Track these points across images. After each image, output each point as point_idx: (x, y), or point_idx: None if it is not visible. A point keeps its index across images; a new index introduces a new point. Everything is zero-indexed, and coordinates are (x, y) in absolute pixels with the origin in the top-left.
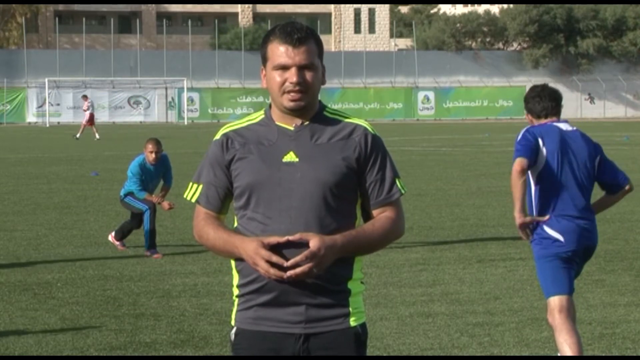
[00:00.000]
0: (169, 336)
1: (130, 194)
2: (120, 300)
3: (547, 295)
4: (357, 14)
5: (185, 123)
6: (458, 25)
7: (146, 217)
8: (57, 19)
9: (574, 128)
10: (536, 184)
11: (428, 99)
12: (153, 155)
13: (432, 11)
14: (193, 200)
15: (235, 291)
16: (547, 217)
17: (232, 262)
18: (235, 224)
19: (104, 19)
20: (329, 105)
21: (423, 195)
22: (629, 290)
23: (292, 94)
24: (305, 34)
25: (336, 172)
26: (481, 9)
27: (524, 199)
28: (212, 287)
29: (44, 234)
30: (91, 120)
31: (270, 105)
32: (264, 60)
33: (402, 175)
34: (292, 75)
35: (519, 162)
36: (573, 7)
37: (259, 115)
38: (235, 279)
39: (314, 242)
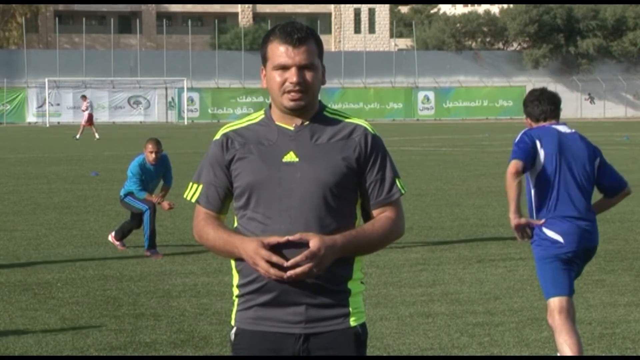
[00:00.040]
0: (169, 336)
1: (130, 194)
2: (120, 300)
3: (547, 296)
4: (357, 14)
5: (185, 123)
6: (458, 25)
7: (146, 217)
8: (57, 19)
9: (573, 130)
10: (535, 185)
11: (428, 99)
12: (153, 155)
13: (432, 11)
14: (193, 200)
15: (235, 291)
16: (542, 220)
17: (232, 262)
18: (235, 224)
19: (104, 19)
20: (329, 105)
21: (423, 195)
22: (629, 290)
23: (292, 93)
24: (305, 34)
25: (336, 172)
26: (481, 9)
27: (519, 200)
28: (212, 287)
29: (44, 234)
30: (90, 120)
31: (270, 105)
32: (264, 60)
33: (402, 175)
34: (292, 75)
35: (513, 165)
36: (573, 7)
37: (258, 115)
38: (235, 279)
39: (314, 242)
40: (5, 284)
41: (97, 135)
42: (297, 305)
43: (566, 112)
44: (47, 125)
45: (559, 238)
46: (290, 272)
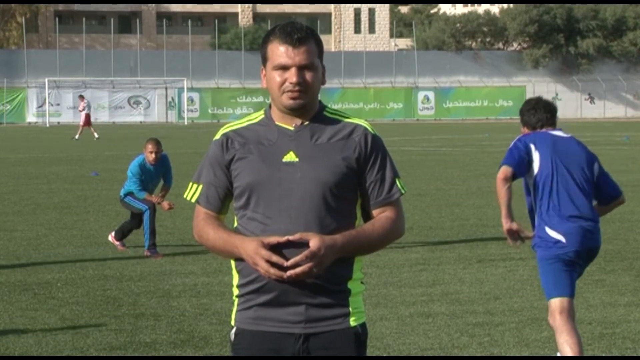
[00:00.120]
0: (169, 336)
1: (130, 194)
2: (120, 300)
3: (548, 297)
4: (357, 14)
5: (185, 123)
6: (458, 25)
7: (146, 217)
8: (57, 19)
9: (569, 135)
10: (534, 188)
11: (428, 99)
12: (153, 155)
13: (432, 11)
14: (193, 200)
15: (235, 291)
16: (532, 233)
17: (232, 262)
18: (235, 224)
19: (104, 19)
20: (329, 105)
21: (423, 195)
22: (629, 290)
23: (291, 93)
24: (305, 34)
25: (336, 172)
26: (481, 9)
27: (510, 204)
28: (212, 287)
29: (44, 234)
30: (87, 120)
31: (270, 105)
32: (264, 60)
33: (402, 175)
34: (292, 76)
35: (502, 171)
36: (573, 7)
37: (258, 115)
38: (235, 279)
39: (314, 241)
40: (5, 284)
41: (96, 135)
42: (297, 305)
43: (566, 112)
44: (47, 125)
45: (561, 238)
46: (290, 272)
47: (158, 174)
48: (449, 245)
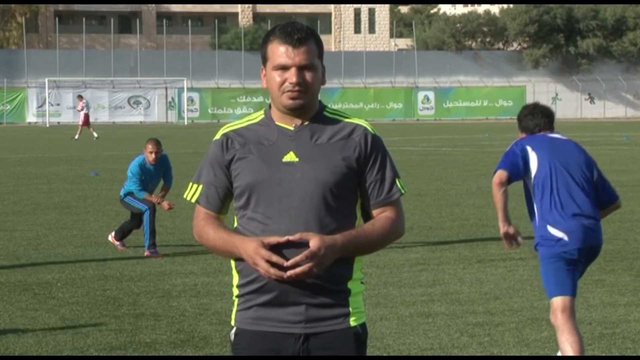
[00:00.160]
0: (169, 336)
1: (130, 194)
2: (120, 300)
3: (550, 295)
4: (357, 14)
5: (185, 123)
6: (458, 25)
7: (146, 217)
8: (57, 19)
9: (567, 138)
10: (534, 190)
11: (428, 99)
12: (153, 155)
13: (432, 11)
14: (193, 200)
15: (235, 291)
16: (522, 241)
17: (232, 262)
18: (235, 224)
19: (104, 19)
20: (329, 105)
21: (423, 195)
22: (629, 290)
23: (291, 92)
24: (305, 34)
25: (336, 172)
26: (481, 9)
27: (506, 208)
28: (212, 287)
29: (44, 234)
30: (86, 120)
31: (270, 105)
32: (264, 60)
33: (402, 175)
34: (291, 76)
35: (498, 175)
36: (573, 7)
37: (258, 115)
38: (235, 279)
39: (314, 241)
40: (5, 284)
41: (95, 134)
42: (297, 305)
43: (566, 112)
44: (47, 125)
45: (563, 236)
46: (290, 272)
47: (158, 174)
48: (449, 245)
